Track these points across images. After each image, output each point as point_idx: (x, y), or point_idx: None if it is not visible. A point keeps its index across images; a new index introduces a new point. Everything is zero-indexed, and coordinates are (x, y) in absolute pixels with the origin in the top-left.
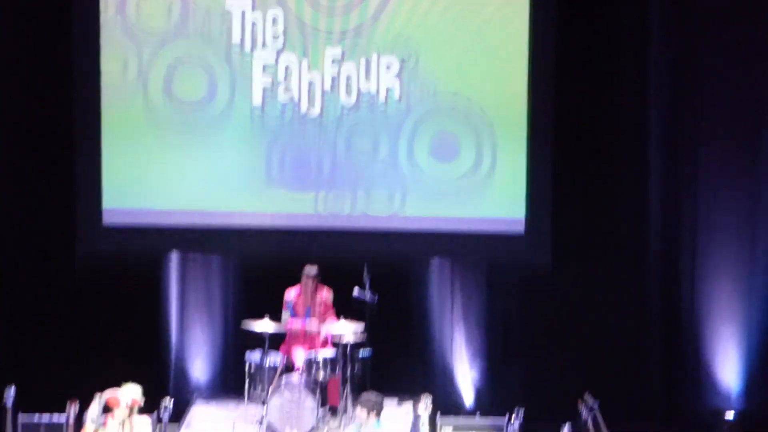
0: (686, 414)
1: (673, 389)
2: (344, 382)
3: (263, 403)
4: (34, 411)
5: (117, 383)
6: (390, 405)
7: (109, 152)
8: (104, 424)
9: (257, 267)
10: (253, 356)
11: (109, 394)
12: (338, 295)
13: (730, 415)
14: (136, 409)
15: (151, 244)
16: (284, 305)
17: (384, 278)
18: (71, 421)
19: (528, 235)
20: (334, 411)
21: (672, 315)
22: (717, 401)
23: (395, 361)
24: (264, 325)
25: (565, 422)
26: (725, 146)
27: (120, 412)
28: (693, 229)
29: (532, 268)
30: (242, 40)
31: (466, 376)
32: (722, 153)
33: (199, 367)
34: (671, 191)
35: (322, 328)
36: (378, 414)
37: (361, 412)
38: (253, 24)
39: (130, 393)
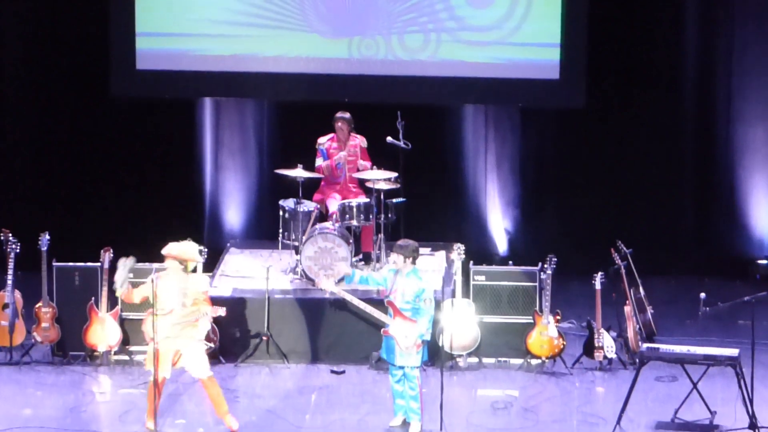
0: (718, 262)
1: (705, 237)
2: (378, 229)
3: (297, 250)
4: (67, 261)
5: (152, 232)
6: (423, 253)
7: None
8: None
9: (291, 112)
10: (287, 203)
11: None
12: (371, 142)
13: (762, 262)
14: (190, 265)
15: (184, 89)
16: (317, 152)
17: (417, 125)
18: (105, 266)
19: (563, 80)
20: (367, 258)
21: (706, 162)
22: (750, 249)
23: (428, 209)
24: (297, 172)
25: (597, 271)
26: None
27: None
28: (728, 72)
29: (566, 114)
30: None
31: (499, 225)
32: None
33: (233, 215)
34: (706, 36)
35: (356, 175)
36: (414, 261)
37: (397, 258)
38: None
39: (176, 247)
